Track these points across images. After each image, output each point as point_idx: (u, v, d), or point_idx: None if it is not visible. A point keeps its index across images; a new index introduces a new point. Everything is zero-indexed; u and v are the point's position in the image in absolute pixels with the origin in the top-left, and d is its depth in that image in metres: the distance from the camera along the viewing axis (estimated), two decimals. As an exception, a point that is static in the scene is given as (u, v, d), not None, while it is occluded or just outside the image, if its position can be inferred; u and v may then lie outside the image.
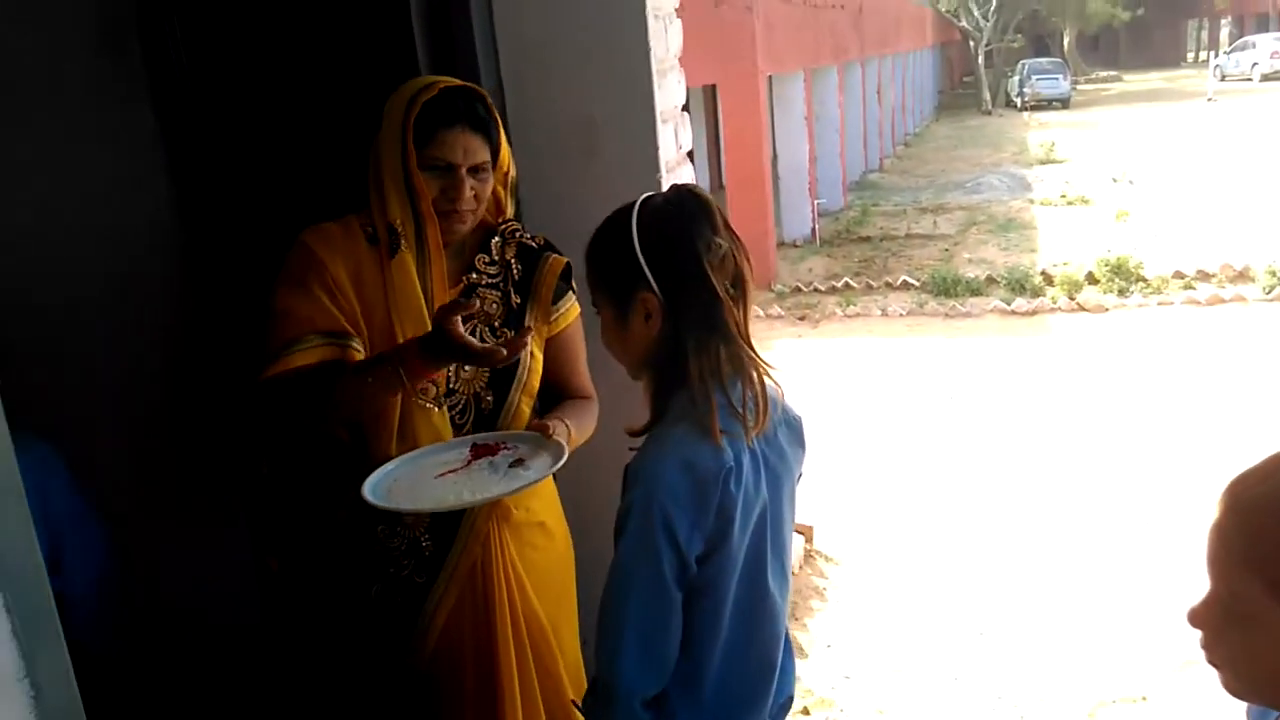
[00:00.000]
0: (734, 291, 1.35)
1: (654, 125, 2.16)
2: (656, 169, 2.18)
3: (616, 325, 1.40)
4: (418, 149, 1.69)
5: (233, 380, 2.24)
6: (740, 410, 1.35)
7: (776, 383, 1.44)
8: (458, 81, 1.77)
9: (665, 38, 2.25)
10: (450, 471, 1.65)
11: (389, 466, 1.67)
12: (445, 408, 1.78)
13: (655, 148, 2.17)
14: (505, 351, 1.57)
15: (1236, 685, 0.91)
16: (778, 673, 1.48)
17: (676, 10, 2.35)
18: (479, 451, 1.69)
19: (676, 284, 1.33)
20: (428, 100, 1.69)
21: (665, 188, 2.20)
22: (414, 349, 1.60)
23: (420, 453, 1.72)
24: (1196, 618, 0.91)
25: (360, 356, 1.70)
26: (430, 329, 1.69)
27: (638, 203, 1.37)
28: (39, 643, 1.15)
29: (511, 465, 1.65)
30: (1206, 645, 0.91)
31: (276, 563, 1.87)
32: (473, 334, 1.79)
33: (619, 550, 1.33)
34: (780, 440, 1.45)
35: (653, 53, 2.15)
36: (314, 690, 2.26)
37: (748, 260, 1.38)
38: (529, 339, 1.67)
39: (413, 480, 1.65)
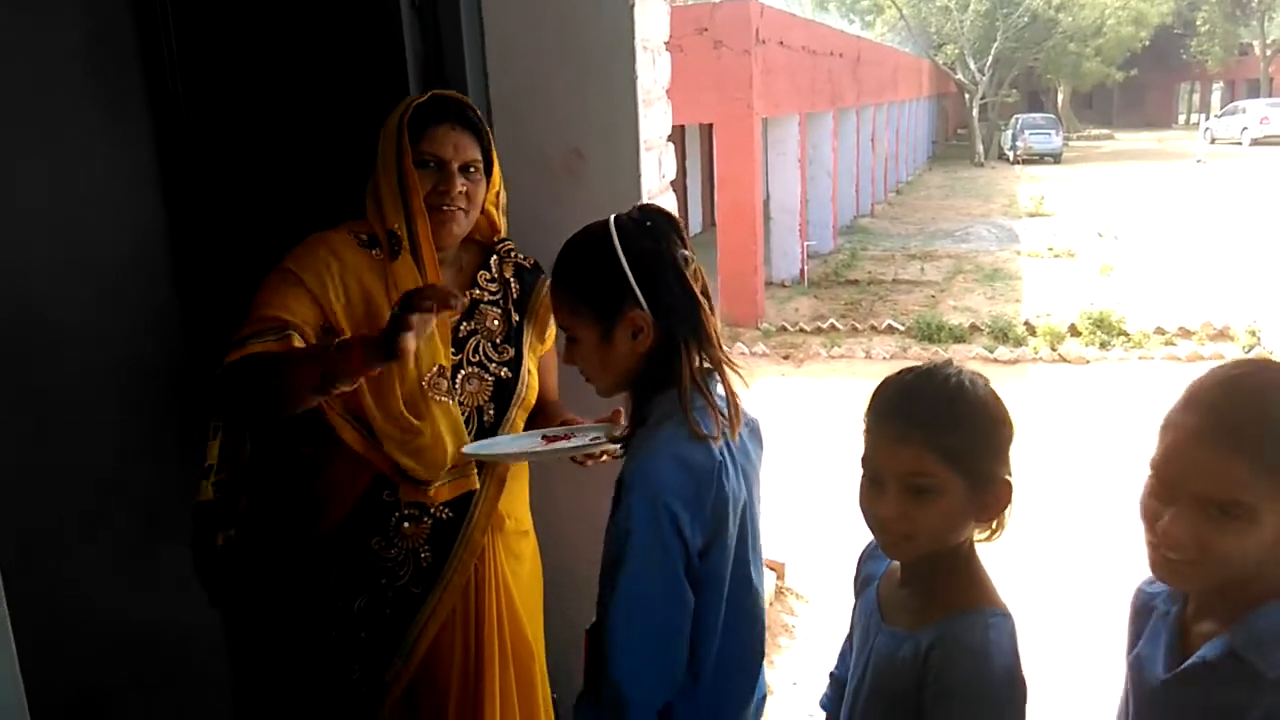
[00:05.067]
0: (705, 300, 1.42)
1: (638, 154, 2.20)
2: (639, 196, 2.21)
3: (599, 345, 1.41)
4: (411, 146, 1.74)
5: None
6: (722, 410, 1.40)
7: (745, 383, 1.49)
8: (450, 93, 1.88)
9: (653, 70, 2.30)
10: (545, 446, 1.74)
11: (480, 444, 1.76)
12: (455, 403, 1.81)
13: (638, 175, 2.21)
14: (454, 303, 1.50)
15: (908, 548, 1.24)
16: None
17: (666, 44, 2.40)
18: (551, 439, 1.76)
19: (666, 297, 1.37)
20: (420, 103, 1.77)
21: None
22: (356, 348, 1.52)
23: (497, 440, 1.80)
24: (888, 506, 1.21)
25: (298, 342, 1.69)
26: (434, 329, 1.71)
27: (611, 223, 1.40)
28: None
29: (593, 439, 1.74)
30: (895, 523, 1.22)
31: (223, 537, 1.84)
32: (475, 349, 1.85)
33: (627, 560, 1.31)
34: (745, 439, 1.49)
35: (640, 84, 2.19)
36: (283, 706, 2.25)
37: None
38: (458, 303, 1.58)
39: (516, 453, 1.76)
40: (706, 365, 1.42)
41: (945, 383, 1.21)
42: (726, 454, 1.40)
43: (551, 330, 1.98)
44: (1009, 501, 1.23)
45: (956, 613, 1.22)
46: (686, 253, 1.40)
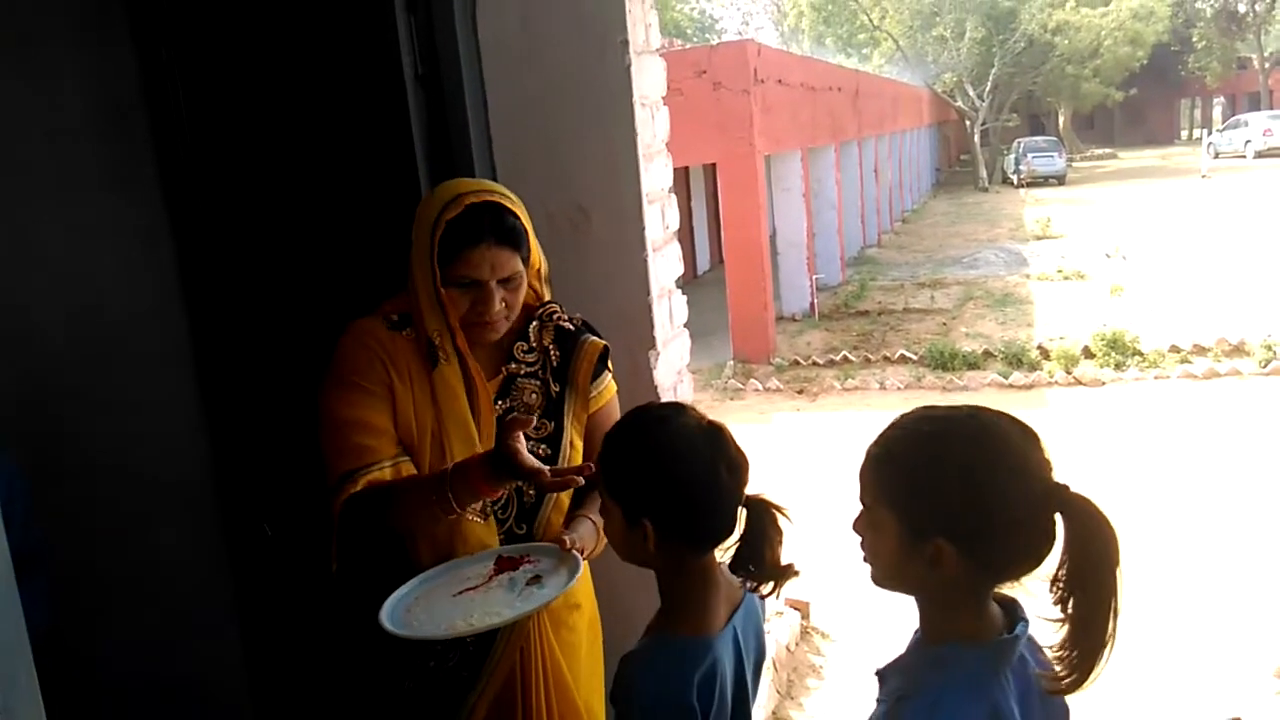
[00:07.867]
0: None
1: (641, 207, 2.24)
2: (643, 248, 2.25)
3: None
4: (443, 267, 1.66)
5: (237, 454, 2.30)
6: None
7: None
8: (485, 192, 1.71)
9: (652, 124, 2.35)
10: (469, 589, 1.63)
11: (410, 585, 1.66)
12: (491, 507, 1.77)
13: (642, 228, 2.25)
14: (551, 478, 1.56)
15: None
16: None
17: (663, 98, 2.44)
18: (502, 565, 1.67)
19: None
20: (451, 219, 1.65)
21: (652, 266, 2.28)
22: (476, 469, 1.58)
23: (445, 567, 1.69)
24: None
25: (409, 469, 1.70)
26: (475, 436, 1.71)
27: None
28: (9, 669, 1.17)
29: (529, 583, 1.63)
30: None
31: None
32: None
33: None
34: None
35: (640, 139, 2.24)
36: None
37: None
38: (578, 476, 1.60)
39: (430, 600, 1.64)
40: None
41: (628, 421, 1.49)
42: None
43: (601, 392, 1.88)
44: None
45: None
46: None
